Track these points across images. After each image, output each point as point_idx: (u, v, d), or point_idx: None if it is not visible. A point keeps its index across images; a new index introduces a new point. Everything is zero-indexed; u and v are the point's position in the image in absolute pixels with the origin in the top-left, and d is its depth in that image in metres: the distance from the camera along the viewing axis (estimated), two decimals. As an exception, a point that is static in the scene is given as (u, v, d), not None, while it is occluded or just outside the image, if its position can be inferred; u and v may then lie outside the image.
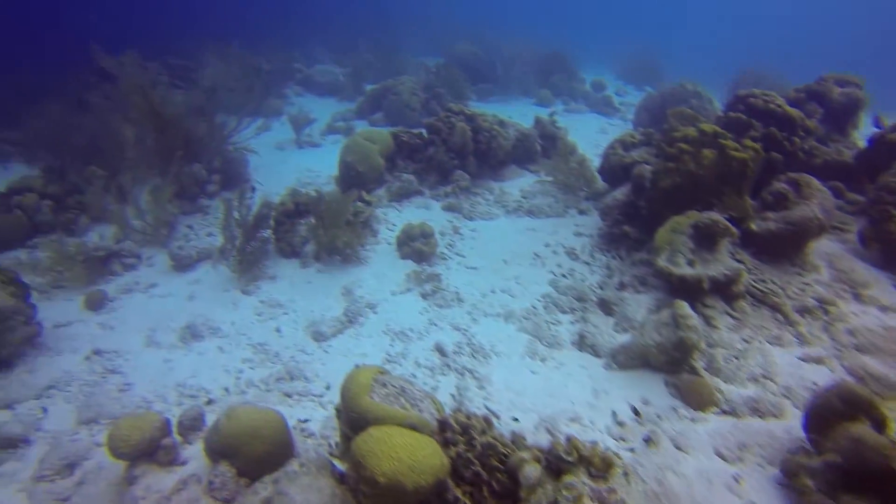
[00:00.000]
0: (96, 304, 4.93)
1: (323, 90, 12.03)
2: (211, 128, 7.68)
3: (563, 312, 4.31)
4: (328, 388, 3.71)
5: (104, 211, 6.30)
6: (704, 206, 4.35)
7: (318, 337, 4.19)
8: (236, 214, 5.27)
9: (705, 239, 4.11)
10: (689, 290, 3.89)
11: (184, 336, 4.37)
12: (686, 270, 3.89)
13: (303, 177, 7.50)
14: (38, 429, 3.52)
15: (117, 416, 3.57)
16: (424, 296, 4.62)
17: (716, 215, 4.10)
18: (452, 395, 3.59)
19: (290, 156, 8.71)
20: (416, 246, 5.01)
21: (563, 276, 4.83)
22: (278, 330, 4.36)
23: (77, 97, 9.03)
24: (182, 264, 5.53)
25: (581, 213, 5.95)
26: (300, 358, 4.01)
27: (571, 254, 5.16)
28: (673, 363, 3.55)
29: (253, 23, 18.44)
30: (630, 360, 3.70)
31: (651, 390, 3.54)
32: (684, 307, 3.52)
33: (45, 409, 3.67)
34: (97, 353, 4.25)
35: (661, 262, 4.00)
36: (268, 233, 5.48)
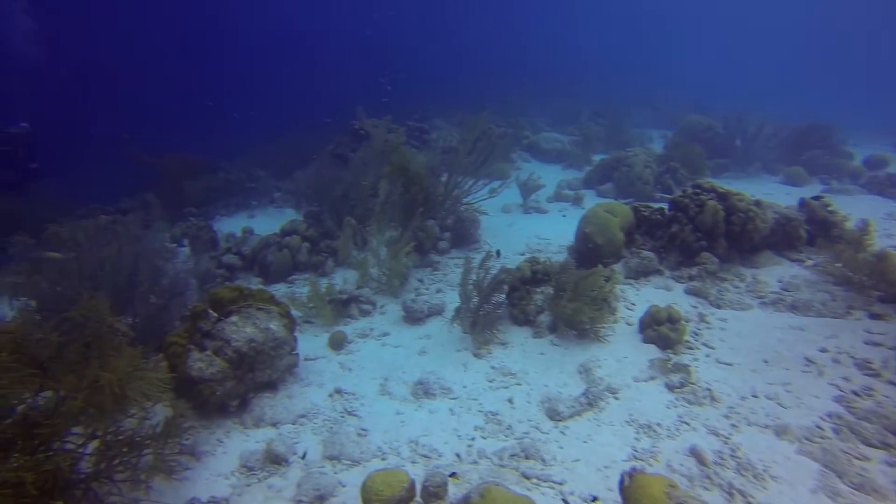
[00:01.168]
0: (338, 344, 5.31)
1: (548, 157, 12.22)
2: (447, 187, 8.16)
3: (871, 446, 3.43)
4: (568, 477, 3.38)
5: (349, 257, 6.93)
6: None
7: (554, 415, 3.91)
8: (473, 276, 5.35)
9: None
10: None
11: (416, 391, 4.44)
12: None
13: (531, 243, 7.48)
14: (294, 452, 3.77)
15: (356, 458, 3.67)
16: (671, 387, 4.09)
17: None
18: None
19: (517, 220, 8.82)
20: (661, 331, 4.53)
21: (856, 394, 3.91)
22: (510, 401, 4.18)
23: (336, 154, 10.40)
24: (413, 317, 5.75)
25: (875, 317, 4.88)
26: (535, 436, 3.76)
27: (866, 367, 4.19)
28: None
29: (479, 90, 19.79)
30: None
31: None
32: None
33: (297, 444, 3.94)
34: (338, 391, 4.51)
35: None
36: (501, 297, 5.45)
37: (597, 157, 12.38)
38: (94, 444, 3.11)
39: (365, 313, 5.99)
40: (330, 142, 12.51)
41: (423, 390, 4.40)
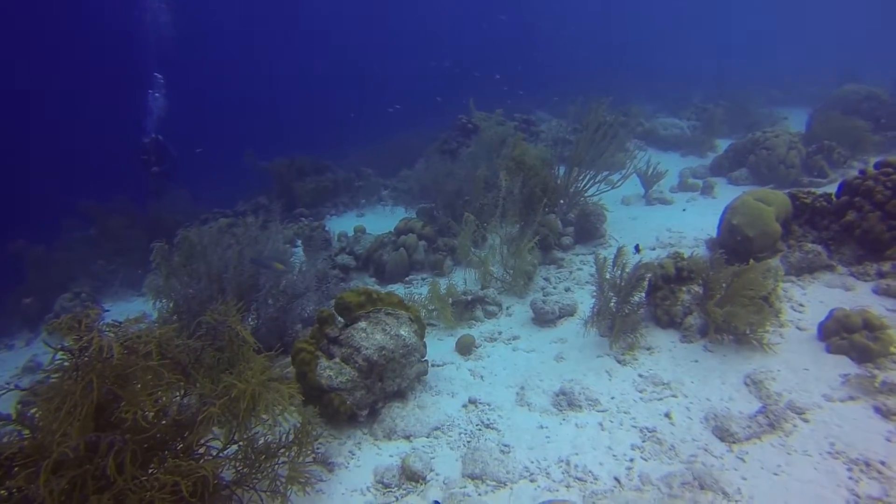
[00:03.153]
0: (467, 349, 5.01)
1: (666, 144, 11.31)
2: (568, 179, 7.65)
3: None
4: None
5: (469, 255, 6.62)
6: None
7: (726, 436, 3.35)
8: (608, 274, 4.85)
9: None
10: None
11: (558, 402, 4.03)
12: None
13: (662, 236, 6.81)
14: (431, 469, 3.50)
15: (502, 479, 3.33)
16: (885, 413, 3.35)
17: None
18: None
19: (640, 212, 8.15)
20: (856, 340, 3.79)
21: None
22: (668, 416, 3.66)
23: (445, 149, 10.19)
24: (543, 319, 5.34)
25: None
26: (706, 460, 3.22)
27: None
28: None
29: (578, 79, 18.93)
30: None
31: None
32: None
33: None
34: (473, 402, 4.20)
35: None
36: (640, 297, 4.90)
37: (720, 142, 11.31)
38: (231, 451, 3.04)
39: (491, 315, 5.66)
40: (435, 139, 12.38)
41: (567, 401, 3.98)
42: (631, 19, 40.90)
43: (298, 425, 3.39)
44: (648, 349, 4.49)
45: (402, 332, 4.05)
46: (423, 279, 6.66)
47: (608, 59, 25.22)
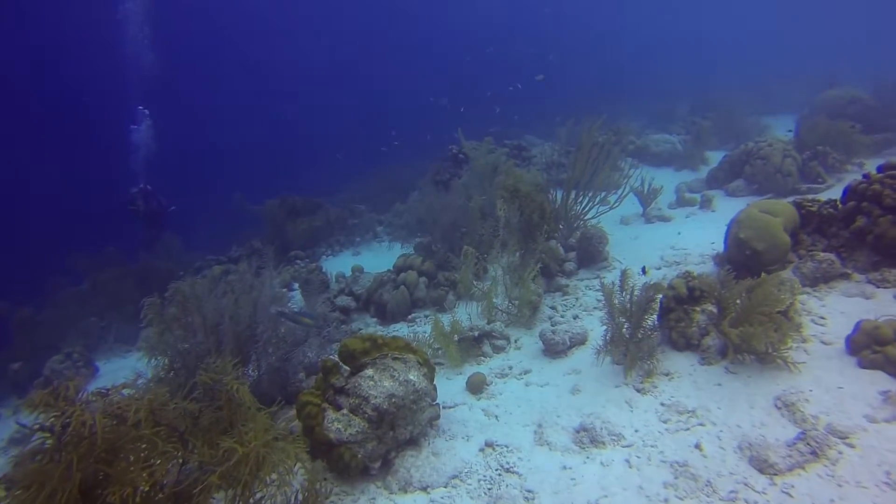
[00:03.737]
0: (478, 387, 4.80)
1: (659, 161, 11.28)
2: (566, 203, 7.54)
3: None
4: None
5: (471, 289, 6.44)
6: None
7: (765, 467, 3.13)
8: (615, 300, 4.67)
9: None
10: None
11: (579, 439, 3.81)
12: None
13: (667, 255, 6.67)
14: (451, 528, 3.26)
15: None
16: (934, 433, 3.15)
17: None
18: None
19: (640, 231, 8.03)
20: (891, 353, 3.61)
21: None
22: (699, 447, 3.45)
23: (438, 181, 10.08)
24: (554, 350, 5.15)
25: None
26: (749, 496, 2.99)
27: None
28: None
29: (571, 97, 19.07)
30: None
31: None
32: None
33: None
34: (489, 444, 3.97)
35: None
36: (653, 320, 4.72)
37: (711, 155, 11.29)
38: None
39: (499, 349, 5.46)
40: (425, 172, 12.32)
41: (589, 438, 3.76)
42: (604, 39, 41.60)
43: (308, 485, 3.17)
44: (667, 375, 4.29)
45: (412, 377, 3.83)
46: (426, 316, 6.45)
47: (588, 80, 25.50)
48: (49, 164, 30.11)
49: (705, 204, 8.25)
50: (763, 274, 4.33)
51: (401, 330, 6.34)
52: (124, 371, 7.62)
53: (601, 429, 3.77)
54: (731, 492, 3.05)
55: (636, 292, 4.54)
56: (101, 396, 2.86)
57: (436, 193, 8.43)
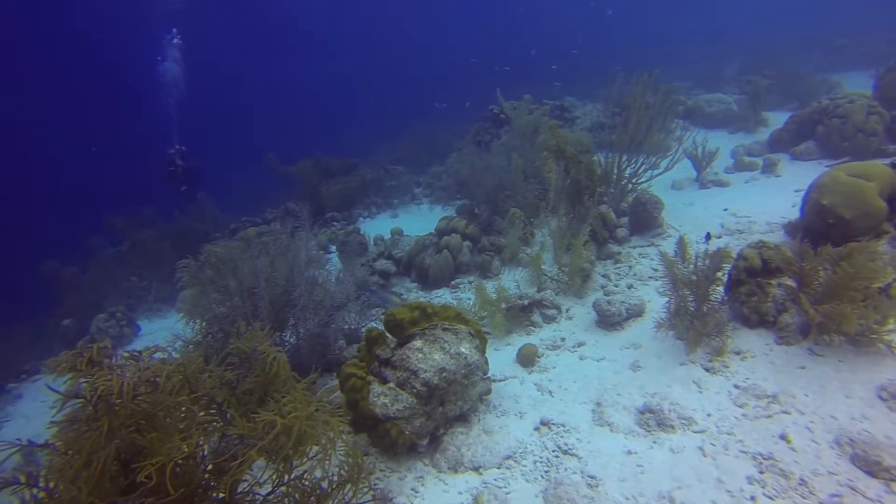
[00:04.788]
0: (529, 360, 4.51)
1: (712, 122, 10.52)
2: (614, 166, 7.05)
3: None
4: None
5: (518, 254, 6.08)
6: None
7: (878, 470, 2.74)
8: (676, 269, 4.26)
9: None
10: None
11: (644, 421, 3.48)
12: None
13: (728, 222, 6.16)
14: (508, 508, 3.01)
15: (594, 522, 2.81)
16: None
17: None
18: None
19: (694, 196, 7.49)
20: None
21: None
22: (785, 438, 3.08)
23: (478, 140, 9.63)
24: (609, 321, 4.80)
25: None
26: (856, 502, 2.63)
27: None
28: None
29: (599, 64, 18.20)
30: None
31: None
32: None
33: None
34: (545, 423, 3.69)
35: None
36: (719, 293, 4.31)
37: (770, 116, 10.50)
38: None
39: (550, 319, 5.13)
40: (463, 133, 11.88)
41: (655, 420, 3.44)
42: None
43: (352, 460, 2.93)
44: (739, 354, 3.90)
45: (463, 350, 3.54)
46: (469, 282, 6.15)
47: (630, 43, 24.24)
48: (86, 124, 30.51)
49: (769, 168, 7.62)
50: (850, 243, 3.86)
51: (443, 296, 6.06)
52: (164, 332, 7.55)
53: (669, 411, 3.43)
54: (834, 495, 2.68)
55: (700, 261, 4.12)
56: (134, 359, 2.65)
57: (477, 154, 8.00)
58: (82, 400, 2.48)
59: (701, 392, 3.65)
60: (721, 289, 4.26)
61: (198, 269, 5.01)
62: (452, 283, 6.19)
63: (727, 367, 3.82)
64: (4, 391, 7.55)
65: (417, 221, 8.90)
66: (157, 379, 2.57)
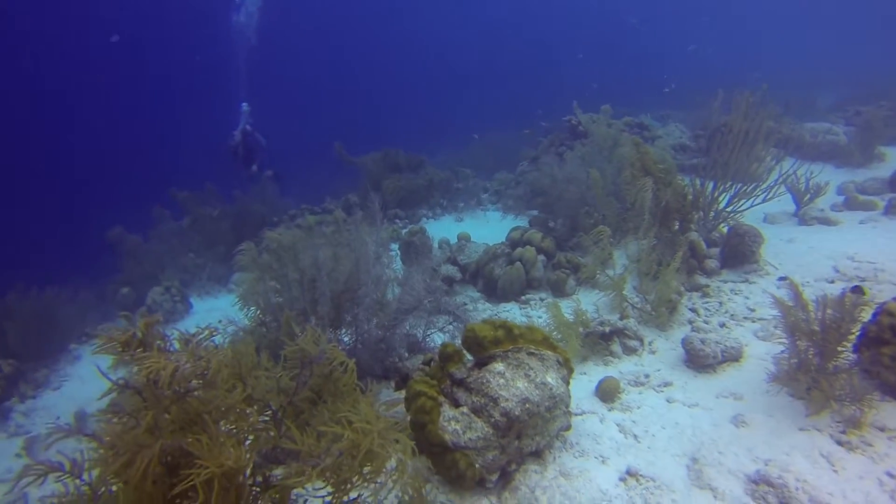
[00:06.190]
0: (610, 395, 4.00)
1: (815, 154, 9.66)
2: (705, 192, 6.46)
3: None
4: None
5: (597, 275, 5.57)
6: None
7: None
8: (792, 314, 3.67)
9: None
10: None
11: (758, 494, 2.92)
12: None
13: (843, 266, 5.44)
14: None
15: None
16: None
17: None
18: None
19: (794, 233, 6.76)
20: None
21: None
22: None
23: (558, 151, 9.17)
24: (701, 363, 4.24)
25: None
26: None
27: None
28: None
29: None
30: None
31: None
32: None
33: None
34: (632, 474, 3.18)
35: None
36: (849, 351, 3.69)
37: (888, 151, 9.56)
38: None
39: (631, 351, 4.62)
40: (529, 141, 11.48)
41: (777, 498, 2.87)
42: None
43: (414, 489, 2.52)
44: (883, 430, 3.27)
45: (549, 380, 3.09)
46: (541, 299, 5.68)
47: (711, 65, 23.16)
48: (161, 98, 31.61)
49: (893, 210, 6.79)
50: None
51: (511, 310, 5.62)
52: (215, 313, 7.44)
53: (796, 489, 2.86)
54: None
55: (822, 310, 3.52)
56: (185, 342, 2.33)
57: (558, 165, 7.52)
58: (124, 388, 2.20)
59: (836, 472, 3.04)
60: (851, 346, 3.64)
61: (257, 253, 4.75)
62: (522, 297, 5.74)
63: (871, 445, 3.18)
64: (67, 350, 7.60)
65: (483, 227, 8.49)
66: (207, 373, 2.26)
